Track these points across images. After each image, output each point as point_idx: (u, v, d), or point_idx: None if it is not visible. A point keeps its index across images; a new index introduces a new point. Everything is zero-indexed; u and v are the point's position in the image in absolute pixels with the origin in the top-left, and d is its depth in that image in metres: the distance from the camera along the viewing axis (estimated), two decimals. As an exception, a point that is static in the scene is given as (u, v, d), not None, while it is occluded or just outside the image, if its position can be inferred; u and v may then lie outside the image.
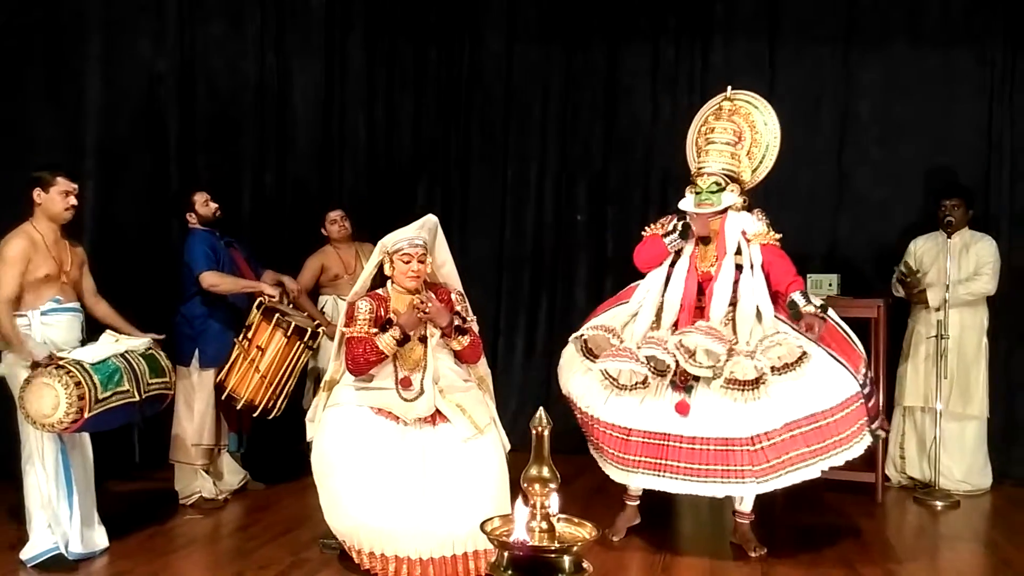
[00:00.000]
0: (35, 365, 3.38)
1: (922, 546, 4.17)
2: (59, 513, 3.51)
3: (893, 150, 5.45)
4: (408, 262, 3.53)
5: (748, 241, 3.77)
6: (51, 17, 4.69)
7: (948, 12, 5.38)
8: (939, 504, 4.64)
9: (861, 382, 3.58)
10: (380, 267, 3.62)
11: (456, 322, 3.58)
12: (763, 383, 3.49)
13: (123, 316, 3.86)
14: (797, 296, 3.69)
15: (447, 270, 3.77)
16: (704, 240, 3.83)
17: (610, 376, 3.72)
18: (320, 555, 3.68)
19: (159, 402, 3.79)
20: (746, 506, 3.86)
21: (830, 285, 4.93)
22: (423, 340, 3.57)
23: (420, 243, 3.54)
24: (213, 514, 4.30)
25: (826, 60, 5.57)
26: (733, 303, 3.69)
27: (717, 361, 3.53)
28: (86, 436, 3.66)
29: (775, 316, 3.67)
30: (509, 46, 5.99)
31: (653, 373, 3.62)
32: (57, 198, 3.61)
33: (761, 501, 4.47)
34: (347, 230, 5.13)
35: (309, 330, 4.40)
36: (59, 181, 3.62)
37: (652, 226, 3.94)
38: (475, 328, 3.72)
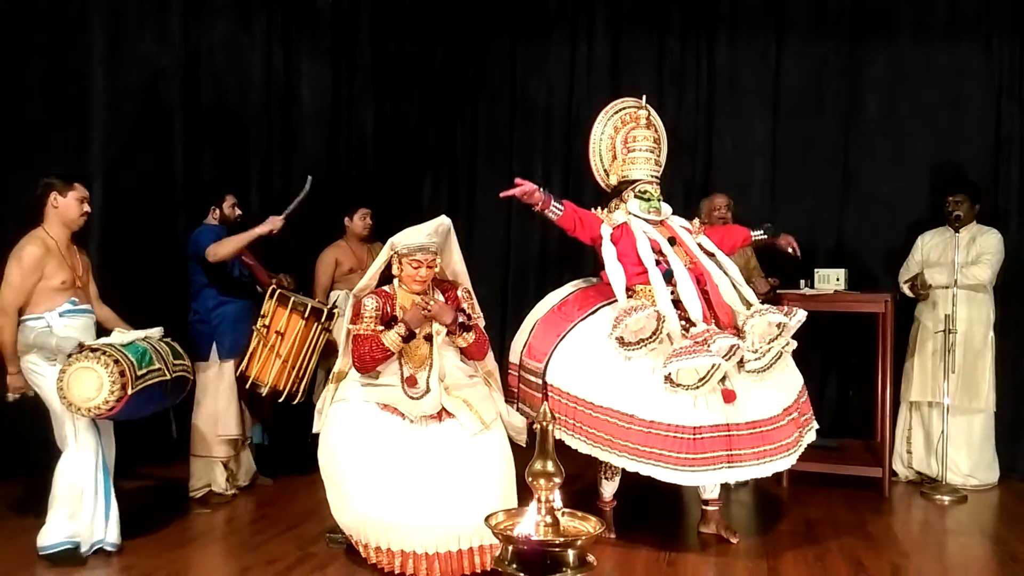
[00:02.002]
0: (68, 356, 3.40)
1: (929, 540, 4.16)
2: (94, 506, 3.53)
3: (900, 145, 5.44)
4: (417, 268, 3.54)
5: (694, 235, 4.01)
6: (55, 14, 4.70)
7: (955, 5, 5.36)
8: (946, 499, 4.64)
9: None
10: (388, 264, 3.63)
11: (461, 319, 3.58)
12: (781, 355, 3.74)
13: (125, 322, 3.85)
14: (757, 234, 4.27)
15: (457, 268, 3.78)
16: (670, 241, 3.93)
17: (669, 378, 3.54)
18: (327, 549, 3.69)
19: (183, 385, 3.81)
20: (714, 493, 3.94)
21: (837, 280, 4.92)
22: (429, 338, 3.58)
23: (432, 250, 3.55)
24: (221, 508, 4.32)
25: (832, 54, 5.55)
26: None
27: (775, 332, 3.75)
28: (112, 430, 3.68)
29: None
30: (513, 42, 6.00)
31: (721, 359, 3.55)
32: (74, 204, 3.66)
33: (767, 495, 4.48)
34: (371, 228, 5.17)
35: (325, 311, 4.42)
36: (77, 187, 3.68)
37: (599, 210, 4.05)
38: (481, 325, 3.73)
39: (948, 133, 5.35)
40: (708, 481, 3.65)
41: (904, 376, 5.06)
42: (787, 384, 3.81)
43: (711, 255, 3.97)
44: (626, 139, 4.11)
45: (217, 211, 4.51)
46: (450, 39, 6.08)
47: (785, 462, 3.68)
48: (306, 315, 4.32)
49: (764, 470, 3.61)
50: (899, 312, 4.91)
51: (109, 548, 3.57)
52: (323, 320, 4.41)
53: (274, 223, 4.40)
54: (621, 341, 3.60)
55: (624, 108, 4.19)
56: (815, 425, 3.95)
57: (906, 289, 5.04)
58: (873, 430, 5.06)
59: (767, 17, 5.64)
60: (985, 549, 4.04)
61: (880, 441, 4.82)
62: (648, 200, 3.95)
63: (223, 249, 4.33)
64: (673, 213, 4.07)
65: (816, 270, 4.98)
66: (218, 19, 5.35)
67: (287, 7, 5.65)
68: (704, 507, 3.97)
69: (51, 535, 3.51)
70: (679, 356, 3.50)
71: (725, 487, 3.96)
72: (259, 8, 5.51)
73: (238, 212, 4.56)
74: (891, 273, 5.21)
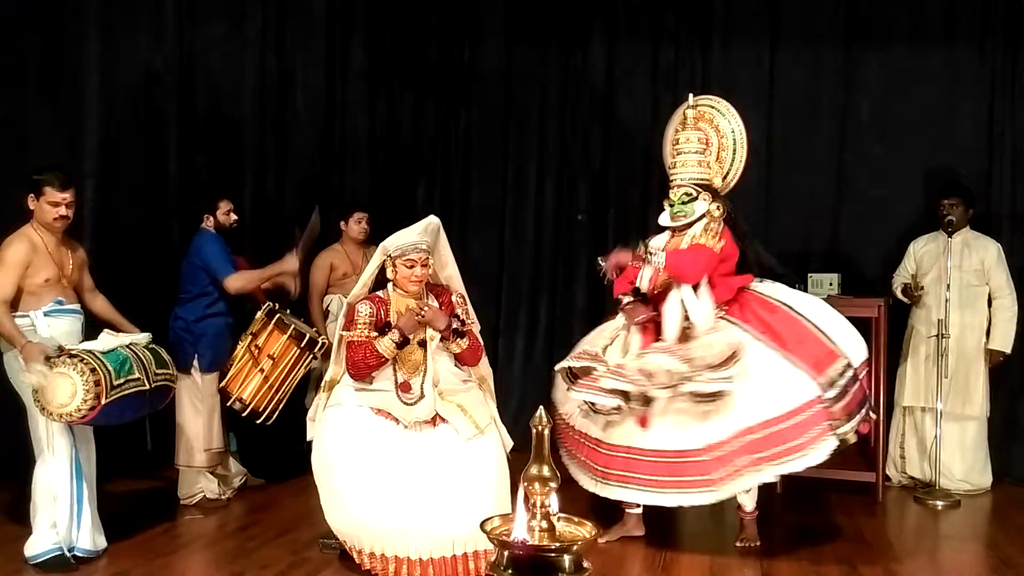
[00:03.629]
0: (47, 359, 3.36)
1: (923, 546, 4.17)
2: (68, 511, 3.49)
3: (894, 149, 5.44)
4: (411, 267, 3.53)
5: (653, 255, 3.79)
6: (49, 15, 4.68)
7: (949, 10, 5.37)
8: (939, 504, 4.64)
9: (824, 384, 3.49)
10: (381, 269, 3.62)
11: (455, 325, 3.57)
12: (723, 397, 3.50)
13: (121, 313, 3.85)
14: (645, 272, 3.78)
15: (450, 272, 3.76)
16: None
17: (587, 403, 3.77)
18: (320, 555, 3.68)
19: (165, 394, 3.78)
20: (749, 504, 3.89)
21: (831, 284, 4.93)
22: (422, 344, 3.57)
23: (424, 248, 3.54)
24: (214, 514, 4.30)
25: (826, 58, 5.56)
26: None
27: (675, 380, 3.53)
28: (91, 435, 3.65)
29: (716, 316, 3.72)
30: (508, 46, 5.99)
31: (622, 400, 3.61)
32: (47, 207, 3.54)
33: (760, 500, 4.47)
34: (367, 232, 5.13)
35: (319, 343, 4.46)
36: (47, 191, 3.52)
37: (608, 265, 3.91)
38: (476, 330, 3.72)
39: (942, 137, 5.36)
40: (619, 496, 3.74)
41: (897, 381, 5.06)
42: (732, 417, 3.49)
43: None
44: (675, 142, 3.97)
45: (211, 218, 4.47)
46: (444, 42, 6.08)
47: (701, 497, 3.53)
48: (302, 344, 4.37)
49: (669, 500, 3.58)
50: (892, 317, 4.91)
51: (80, 554, 3.52)
52: (315, 350, 4.46)
53: (294, 267, 4.47)
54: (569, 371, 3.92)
55: (683, 109, 4.00)
56: (802, 455, 3.46)
57: (899, 294, 5.05)
58: (867, 435, 5.06)
59: (761, 21, 5.64)
60: (978, 554, 4.05)
61: (873, 446, 4.82)
62: (671, 207, 3.88)
63: (248, 286, 4.41)
64: None
65: (810, 274, 4.99)
66: (212, 21, 5.33)
67: (281, 9, 5.64)
68: (737, 513, 3.96)
69: (38, 544, 3.48)
70: (588, 388, 3.68)
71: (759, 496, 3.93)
72: (253, 10, 5.49)
73: (234, 218, 4.53)
74: (885, 278, 5.22)
